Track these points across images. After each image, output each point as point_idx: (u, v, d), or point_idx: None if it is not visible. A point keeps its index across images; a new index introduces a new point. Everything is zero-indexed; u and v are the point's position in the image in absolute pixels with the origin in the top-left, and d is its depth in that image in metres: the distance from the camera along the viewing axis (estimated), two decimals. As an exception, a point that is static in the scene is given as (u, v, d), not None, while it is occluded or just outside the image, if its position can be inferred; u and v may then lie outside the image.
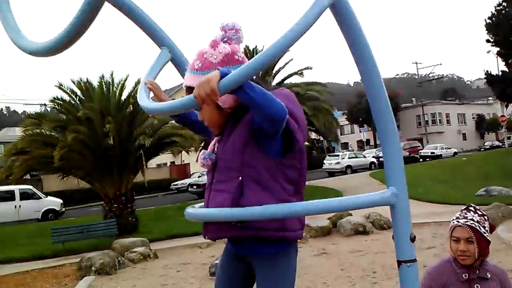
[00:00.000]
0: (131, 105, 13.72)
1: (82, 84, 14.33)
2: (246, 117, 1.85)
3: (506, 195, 13.30)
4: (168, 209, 19.43)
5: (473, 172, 22.86)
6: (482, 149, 48.86)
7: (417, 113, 61.38)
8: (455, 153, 42.68)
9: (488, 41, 27.22)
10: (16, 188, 21.90)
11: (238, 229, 1.85)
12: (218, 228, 1.91)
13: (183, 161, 46.28)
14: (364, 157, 36.36)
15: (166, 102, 1.85)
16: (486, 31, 26.83)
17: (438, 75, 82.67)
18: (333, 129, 24.37)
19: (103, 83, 14.34)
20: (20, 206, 21.36)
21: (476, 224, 2.17)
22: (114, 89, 14.48)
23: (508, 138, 47.47)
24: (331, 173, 32.39)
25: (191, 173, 41.07)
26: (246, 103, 1.71)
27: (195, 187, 27.80)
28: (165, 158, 48.20)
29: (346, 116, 57.70)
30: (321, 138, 28.97)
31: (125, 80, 14.60)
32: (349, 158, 34.62)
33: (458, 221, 2.23)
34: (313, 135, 26.47)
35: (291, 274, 1.99)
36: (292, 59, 24.77)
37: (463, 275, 2.22)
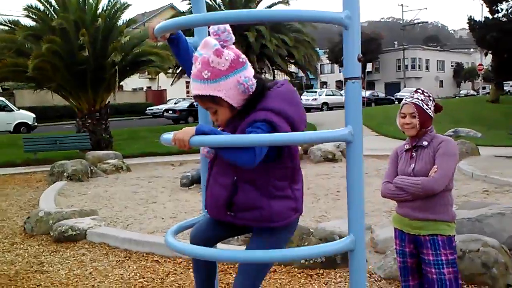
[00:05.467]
0: (106, 18, 13.30)
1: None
2: (248, 119, 1.89)
3: (473, 136, 14.12)
4: (143, 130, 19.46)
5: (445, 116, 23.40)
6: (457, 97, 49.62)
7: (397, 57, 61.33)
8: (430, 99, 43.24)
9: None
10: (-13, 98, 21.51)
11: (231, 218, 2.01)
12: (217, 211, 2.05)
13: (160, 86, 45.71)
14: (341, 95, 36.79)
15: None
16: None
17: (423, 22, 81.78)
18: (313, 62, 23.96)
19: (79, -7, 13.77)
20: (-9, 117, 21.01)
21: (420, 102, 2.65)
22: (90, 0, 13.98)
23: (483, 88, 48.25)
24: (308, 109, 32.60)
25: (167, 99, 40.69)
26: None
27: (171, 112, 27.67)
28: (141, 82, 47.58)
29: (327, 55, 57.18)
30: (300, 74, 28.77)
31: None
32: (326, 95, 35.30)
33: (406, 100, 2.72)
34: (293, 68, 26.19)
35: (286, 239, 2.09)
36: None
37: (406, 145, 2.73)
